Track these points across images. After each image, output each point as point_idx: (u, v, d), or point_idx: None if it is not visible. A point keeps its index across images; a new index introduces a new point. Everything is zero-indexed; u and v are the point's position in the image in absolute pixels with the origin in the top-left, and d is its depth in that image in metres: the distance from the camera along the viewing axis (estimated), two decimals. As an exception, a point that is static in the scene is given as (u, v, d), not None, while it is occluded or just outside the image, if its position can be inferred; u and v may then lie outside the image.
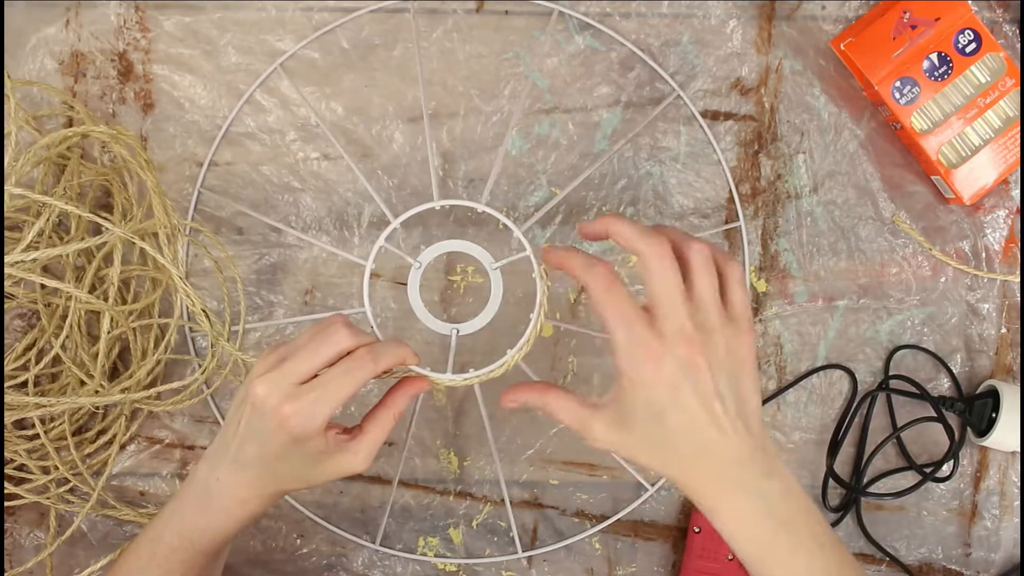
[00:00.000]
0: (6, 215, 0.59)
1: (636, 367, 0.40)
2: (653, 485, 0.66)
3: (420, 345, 0.65)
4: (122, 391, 0.59)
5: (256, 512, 0.48)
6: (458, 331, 0.57)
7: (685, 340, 0.40)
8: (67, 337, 0.60)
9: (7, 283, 0.57)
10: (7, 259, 0.51)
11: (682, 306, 0.40)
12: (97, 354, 0.61)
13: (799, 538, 0.42)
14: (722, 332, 0.41)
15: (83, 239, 0.58)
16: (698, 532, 0.63)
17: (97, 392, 0.58)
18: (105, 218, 0.60)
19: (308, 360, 0.45)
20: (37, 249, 0.51)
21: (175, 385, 0.59)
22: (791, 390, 0.66)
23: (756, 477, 0.41)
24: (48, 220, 0.54)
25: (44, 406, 0.55)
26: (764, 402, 0.65)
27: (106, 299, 0.61)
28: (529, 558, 0.66)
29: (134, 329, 0.62)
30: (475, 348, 0.64)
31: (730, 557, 0.63)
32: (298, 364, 0.45)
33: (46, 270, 0.62)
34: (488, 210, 0.56)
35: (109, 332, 0.57)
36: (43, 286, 0.60)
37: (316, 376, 0.45)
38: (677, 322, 0.40)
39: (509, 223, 0.55)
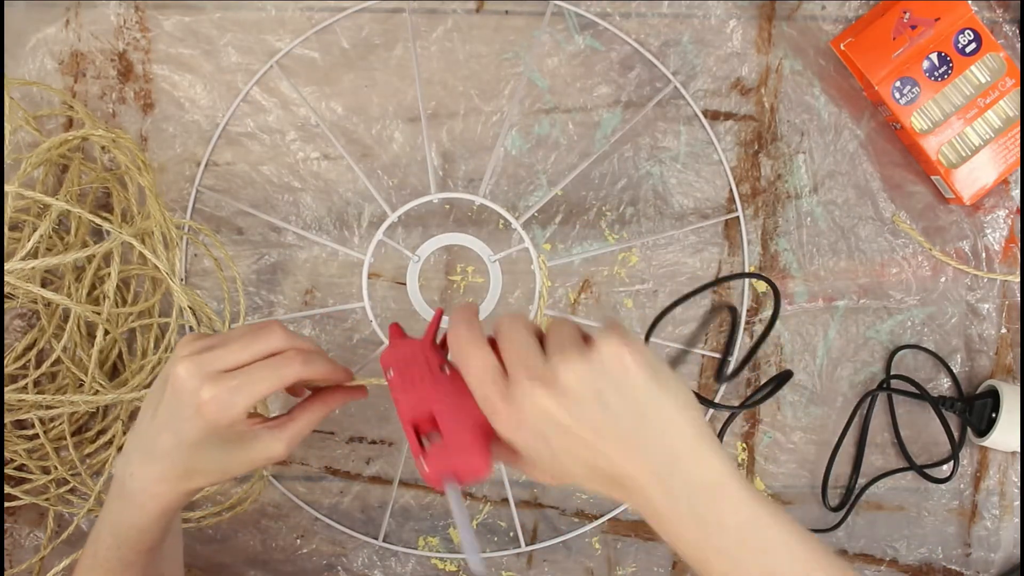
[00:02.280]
0: (6, 214, 0.59)
1: (504, 432, 0.39)
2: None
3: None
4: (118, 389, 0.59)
5: (170, 506, 0.46)
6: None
7: (536, 400, 0.37)
8: (67, 337, 0.60)
9: (7, 283, 0.57)
10: (7, 266, 0.51)
11: (530, 352, 0.38)
12: (99, 354, 0.62)
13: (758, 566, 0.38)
14: (571, 357, 0.37)
15: (83, 246, 0.58)
16: (393, 376, 0.46)
17: (97, 392, 0.58)
18: (105, 218, 0.60)
19: (236, 352, 0.44)
20: (36, 257, 0.51)
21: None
22: (789, 391, 0.66)
23: (687, 494, 0.38)
24: (49, 224, 0.54)
25: (44, 406, 0.55)
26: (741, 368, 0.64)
27: (103, 301, 0.61)
28: (529, 558, 0.66)
29: (134, 329, 0.62)
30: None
31: (444, 367, 0.45)
32: (226, 353, 0.44)
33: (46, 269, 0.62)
34: (486, 202, 0.56)
35: (105, 336, 0.57)
36: (43, 285, 0.60)
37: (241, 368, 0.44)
38: (525, 384, 0.37)
39: (508, 215, 0.55)
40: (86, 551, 0.49)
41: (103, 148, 0.64)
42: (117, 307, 0.58)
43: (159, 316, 0.64)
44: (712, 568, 0.38)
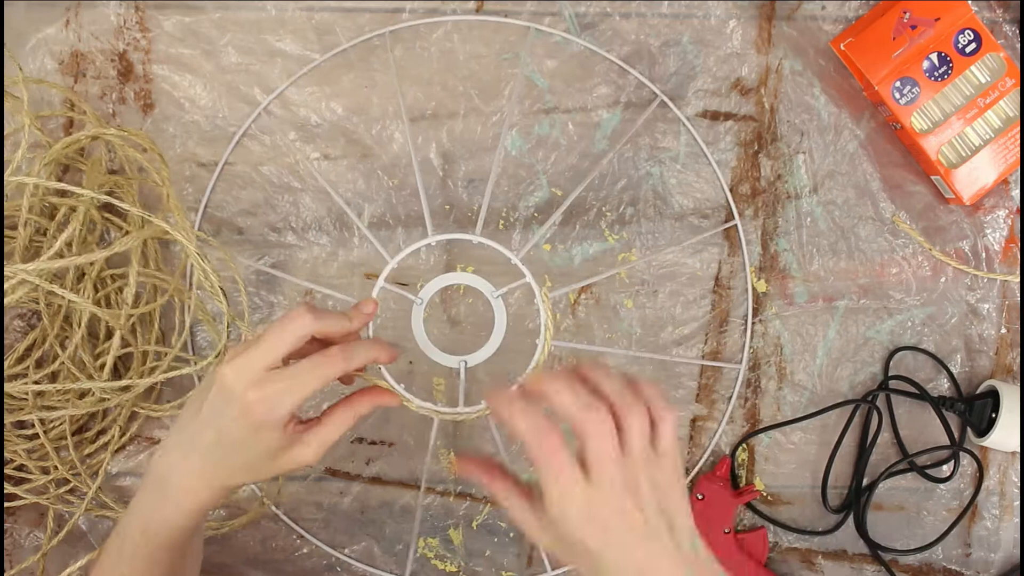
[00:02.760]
0: (6, 214, 0.59)
1: (568, 520, 0.42)
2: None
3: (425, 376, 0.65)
4: (122, 390, 0.59)
5: (205, 504, 0.47)
6: (466, 363, 0.57)
7: (616, 493, 0.41)
8: (67, 337, 0.60)
9: (29, 282, 0.57)
10: (33, 266, 0.51)
11: (616, 464, 0.42)
12: (99, 355, 0.62)
13: None
14: (648, 471, 0.42)
15: (106, 243, 0.58)
16: (701, 499, 0.63)
17: (103, 399, 0.59)
18: (114, 217, 0.60)
19: (273, 347, 0.44)
20: (63, 256, 0.51)
21: (172, 374, 0.59)
22: (789, 391, 0.66)
23: None
24: (81, 224, 0.54)
25: (47, 408, 0.55)
26: (784, 424, 0.66)
27: (110, 304, 0.61)
28: (529, 559, 0.66)
29: (134, 329, 0.62)
30: (479, 328, 0.64)
31: (726, 530, 0.63)
32: (264, 351, 0.44)
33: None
34: (484, 240, 0.56)
35: (116, 340, 0.57)
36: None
37: (285, 365, 0.45)
38: (609, 477, 0.41)
39: (508, 252, 0.56)
40: (109, 547, 0.49)
41: (107, 148, 0.64)
42: (137, 307, 0.58)
43: (158, 320, 0.64)
44: None
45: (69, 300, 0.54)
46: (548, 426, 0.42)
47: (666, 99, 0.65)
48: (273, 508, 0.65)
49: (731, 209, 0.66)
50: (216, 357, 0.59)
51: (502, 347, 0.59)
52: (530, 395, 0.43)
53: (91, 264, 0.61)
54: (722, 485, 0.64)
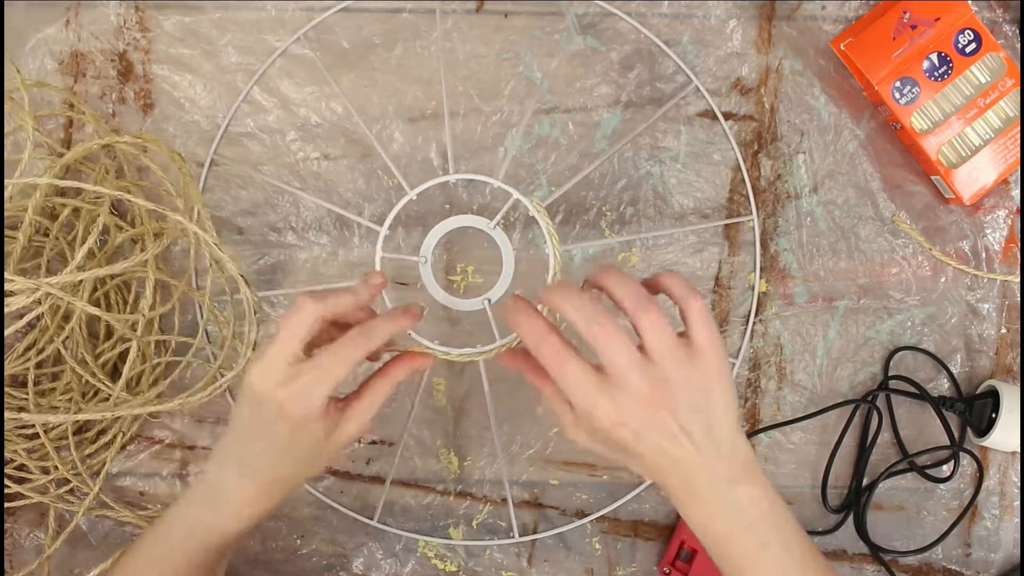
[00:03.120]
0: (8, 215, 0.59)
1: (596, 428, 0.42)
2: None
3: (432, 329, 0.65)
4: (128, 398, 0.59)
5: (267, 510, 0.48)
6: (490, 300, 0.56)
7: (643, 401, 0.41)
8: (67, 338, 0.60)
9: (52, 294, 0.57)
10: (56, 280, 0.51)
11: (637, 371, 0.41)
12: (100, 355, 0.62)
13: (764, 539, 0.43)
14: (679, 372, 0.42)
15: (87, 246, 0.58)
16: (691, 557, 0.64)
17: (117, 404, 0.59)
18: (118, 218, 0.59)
19: (287, 340, 0.44)
20: (83, 270, 0.51)
21: (213, 389, 0.59)
22: (789, 391, 0.66)
23: (720, 485, 0.43)
24: (97, 234, 0.54)
25: (49, 414, 0.55)
26: (784, 424, 0.66)
27: (110, 303, 0.61)
28: (529, 558, 0.66)
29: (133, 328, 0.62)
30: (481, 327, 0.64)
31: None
32: (279, 347, 0.44)
33: (47, 269, 0.62)
34: (504, 186, 0.56)
35: (116, 344, 0.57)
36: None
37: (309, 356, 0.45)
38: (633, 386, 0.41)
39: (516, 193, 0.55)
40: (141, 550, 0.49)
41: (106, 150, 0.64)
42: (153, 309, 0.58)
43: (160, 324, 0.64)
44: (738, 544, 0.43)
45: (82, 308, 0.54)
46: (546, 331, 0.42)
47: (699, 85, 0.65)
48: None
49: (732, 208, 0.66)
50: (247, 351, 0.59)
51: (518, 280, 0.59)
52: (544, 304, 0.44)
53: (94, 248, 0.61)
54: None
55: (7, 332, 0.54)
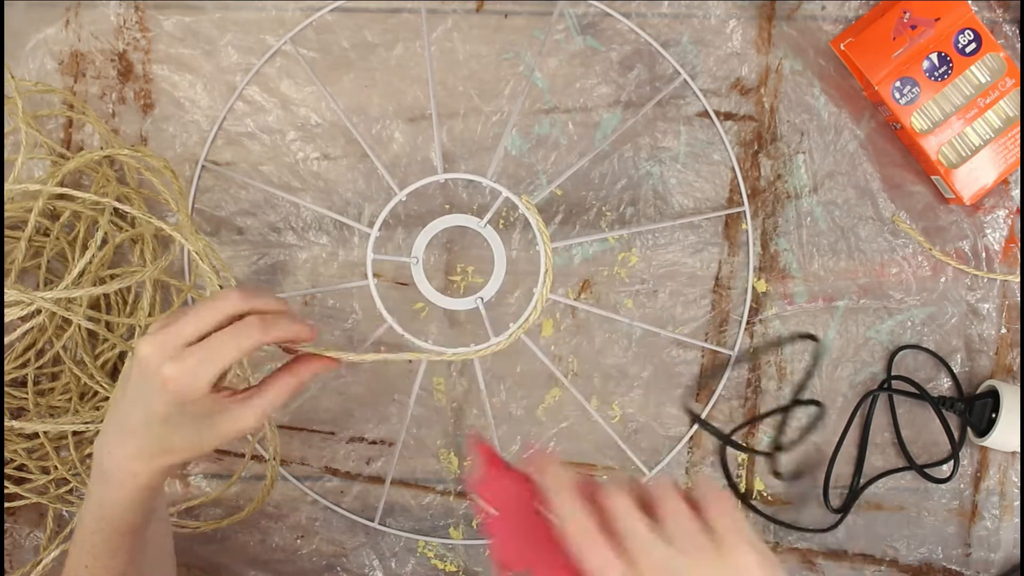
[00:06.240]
0: (9, 215, 0.59)
1: None
2: (651, 470, 0.66)
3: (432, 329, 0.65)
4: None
5: (148, 483, 0.46)
6: (482, 299, 0.56)
7: None
8: (68, 338, 0.60)
9: (64, 307, 0.57)
10: (53, 294, 0.51)
11: (651, 541, 0.36)
12: (99, 355, 0.62)
13: None
14: (702, 558, 0.36)
15: (84, 249, 0.58)
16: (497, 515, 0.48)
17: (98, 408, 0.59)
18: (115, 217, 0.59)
19: (194, 322, 0.44)
20: (79, 287, 0.51)
21: None
22: (789, 391, 0.66)
23: None
24: (97, 244, 0.54)
25: (49, 422, 0.55)
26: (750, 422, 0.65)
27: (109, 305, 0.61)
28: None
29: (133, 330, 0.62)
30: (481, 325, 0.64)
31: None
32: (184, 326, 0.44)
33: (47, 269, 0.62)
34: (495, 185, 0.55)
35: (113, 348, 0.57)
36: (41, 286, 0.60)
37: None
38: (649, 560, 0.36)
39: (506, 191, 0.55)
40: (73, 539, 0.49)
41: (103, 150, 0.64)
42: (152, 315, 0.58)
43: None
44: None
45: (78, 321, 0.54)
46: (588, 517, 0.37)
47: (688, 78, 0.65)
48: (259, 447, 0.65)
49: (732, 206, 0.66)
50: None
51: (517, 280, 0.58)
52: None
53: (90, 264, 0.61)
54: (501, 474, 0.45)
55: (8, 339, 0.53)
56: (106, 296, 0.62)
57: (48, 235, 0.60)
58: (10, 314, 0.51)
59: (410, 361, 0.65)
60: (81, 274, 0.54)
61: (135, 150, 0.59)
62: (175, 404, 0.44)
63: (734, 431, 0.66)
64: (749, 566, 0.36)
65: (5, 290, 0.51)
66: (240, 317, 0.45)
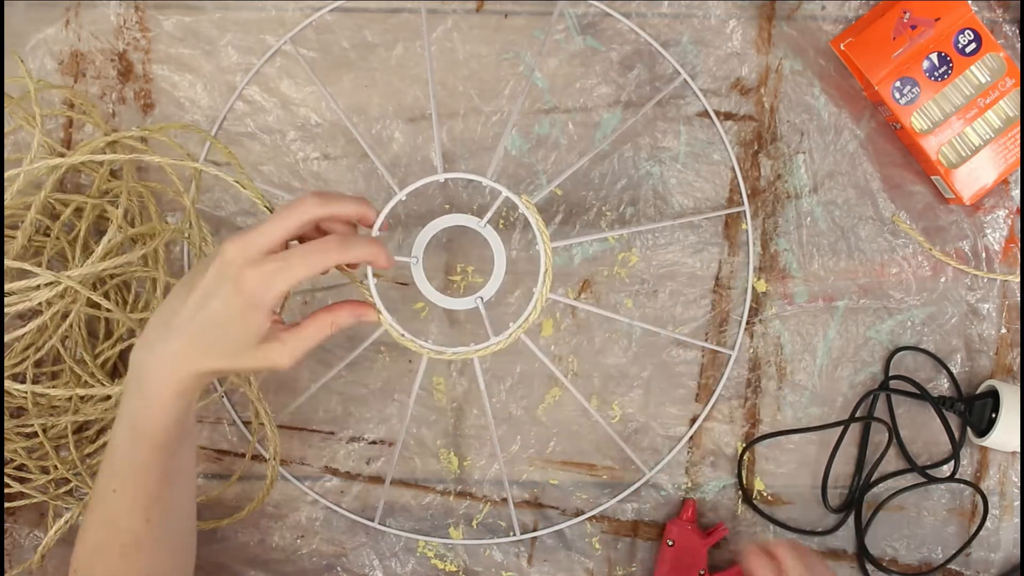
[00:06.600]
0: (7, 216, 0.59)
1: None
2: (651, 470, 0.66)
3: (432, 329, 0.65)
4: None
5: (184, 387, 0.46)
6: (482, 299, 0.56)
7: None
8: (67, 337, 0.60)
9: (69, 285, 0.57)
10: (77, 272, 0.52)
11: None
12: (99, 354, 0.62)
13: None
14: None
15: (84, 246, 0.58)
16: (671, 545, 0.63)
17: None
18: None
19: (275, 229, 0.45)
20: (104, 259, 0.52)
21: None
22: (789, 391, 0.66)
23: None
24: (115, 232, 0.55)
25: (47, 414, 0.55)
26: (789, 432, 0.66)
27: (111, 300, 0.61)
28: (529, 558, 0.66)
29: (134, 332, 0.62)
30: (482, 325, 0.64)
31: (701, 572, 0.63)
32: (266, 232, 0.44)
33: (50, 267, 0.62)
34: (494, 185, 0.55)
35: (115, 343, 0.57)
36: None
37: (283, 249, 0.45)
38: None
39: (505, 191, 0.54)
40: (101, 468, 0.48)
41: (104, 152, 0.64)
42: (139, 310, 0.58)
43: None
44: None
45: (106, 309, 0.54)
46: None
47: (688, 78, 0.65)
48: (259, 448, 0.65)
49: (738, 204, 0.66)
50: None
51: (517, 280, 0.58)
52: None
53: (111, 243, 0.60)
54: (691, 528, 0.64)
55: (7, 338, 0.53)
56: (106, 296, 0.62)
57: (48, 234, 0.60)
58: (37, 296, 0.51)
59: (410, 362, 0.65)
60: (106, 253, 0.54)
61: (142, 129, 0.59)
62: (240, 308, 0.44)
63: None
64: None
65: (35, 269, 0.50)
66: (318, 225, 0.46)
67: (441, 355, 0.53)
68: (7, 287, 0.52)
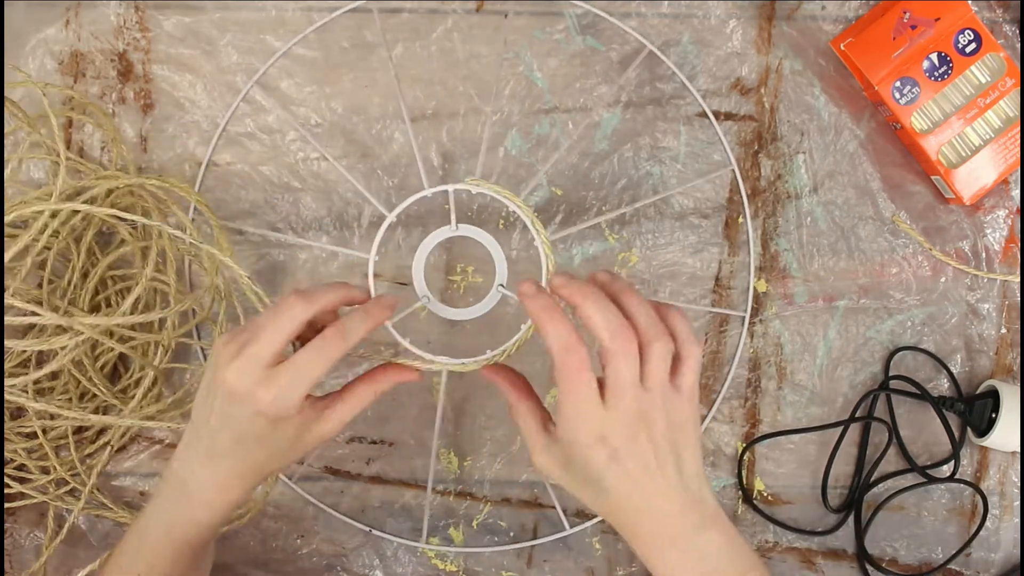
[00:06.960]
0: (7, 216, 0.59)
1: (577, 440, 0.43)
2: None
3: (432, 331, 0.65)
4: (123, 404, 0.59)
5: (237, 500, 0.48)
6: (503, 285, 0.55)
7: (630, 420, 0.42)
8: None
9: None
10: (90, 320, 0.52)
11: (633, 392, 0.42)
12: (98, 356, 0.62)
13: None
14: (665, 406, 0.43)
15: (89, 255, 0.58)
16: None
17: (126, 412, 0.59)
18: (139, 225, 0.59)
19: (271, 341, 0.44)
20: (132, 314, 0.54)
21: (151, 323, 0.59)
22: (789, 391, 0.66)
23: (690, 531, 0.43)
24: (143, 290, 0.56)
25: (49, 416, 0.55)
26: (790, 432, 0.66)
27: (110, 305, 0.61)
28: (529, 559, 0.66)
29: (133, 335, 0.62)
30: (482, 329, 0.64)
31: None
32: (262, 346, 0.44)
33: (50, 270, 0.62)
34: (484, 190, 0.55)
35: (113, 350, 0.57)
36: (41, 284, 0.60)
37: (286, 357, 0.45)
38: (627, 404, 0.42)
39: (500, 197, 0.54)
40: (125, 547, 0.49)
41: (103, 149, 0.64)
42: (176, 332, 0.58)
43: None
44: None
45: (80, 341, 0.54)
46: (576, 343, 0.42)
47: (685, 80, 0.65)
48: (284, 479, 0.65)
49: (732, 208, 0.66)
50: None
51: (511, 281, 0.58)
52: (560, 296, 0.44)
53: (94, 267, 0.61)
54: None
55: (12, 344, 0.54)
56: (107, 302, 0.62)
57: (56, 235, 0.60)
58: (53, 343, 0.52)
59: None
60: (133, 306, 0.54)
61: (163, 180, 0.59)
62: (269, 425, 0.45)
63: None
64: (689, 413, 0.44)
65: (41, 312, 0.51)
66: (310, 321, 0.46)
67: (464, 367, 0.53)
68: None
